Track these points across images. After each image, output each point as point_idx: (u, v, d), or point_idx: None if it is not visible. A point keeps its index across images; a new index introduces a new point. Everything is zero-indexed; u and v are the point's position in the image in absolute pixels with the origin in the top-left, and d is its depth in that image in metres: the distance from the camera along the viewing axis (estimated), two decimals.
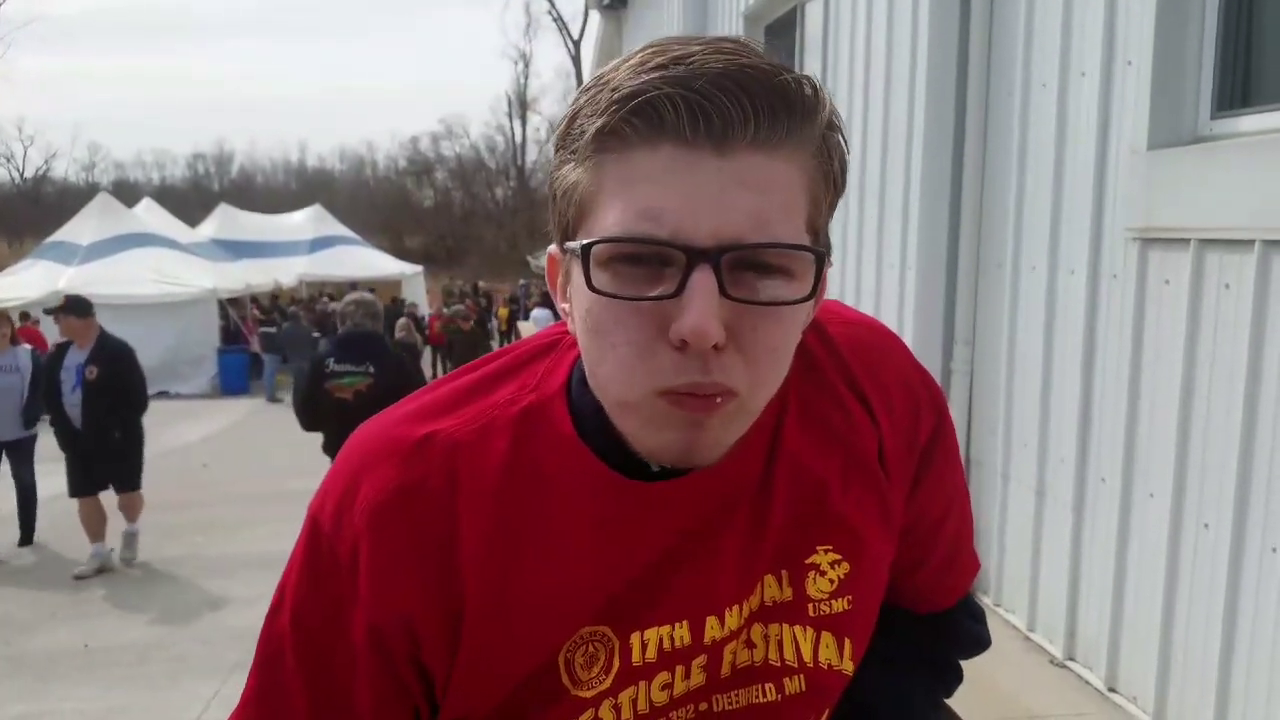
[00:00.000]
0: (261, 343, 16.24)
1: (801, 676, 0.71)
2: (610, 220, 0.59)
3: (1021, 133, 3.36)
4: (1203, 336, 2.45)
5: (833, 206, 0.64)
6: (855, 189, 4.59)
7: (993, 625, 0.92)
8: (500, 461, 0.68)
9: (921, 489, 0.77)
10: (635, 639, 0.67)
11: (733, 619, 0.69)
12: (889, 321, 4.48)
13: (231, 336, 17.27)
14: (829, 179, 0.62)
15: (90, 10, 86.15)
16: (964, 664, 0.88)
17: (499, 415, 0.69)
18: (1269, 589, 2.23)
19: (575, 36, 39.22)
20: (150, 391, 6.11)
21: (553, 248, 0.68)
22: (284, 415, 13.37)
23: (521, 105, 42.22)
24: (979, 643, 0.90)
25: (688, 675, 0.68)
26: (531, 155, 43.02)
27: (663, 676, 0.68)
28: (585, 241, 0.59)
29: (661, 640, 0.68)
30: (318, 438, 4.69)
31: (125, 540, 5.87)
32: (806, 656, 0.71)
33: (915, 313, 3.91)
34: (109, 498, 5.79)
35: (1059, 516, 3.11)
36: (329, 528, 0.68)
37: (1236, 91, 2.53)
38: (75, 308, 5.83)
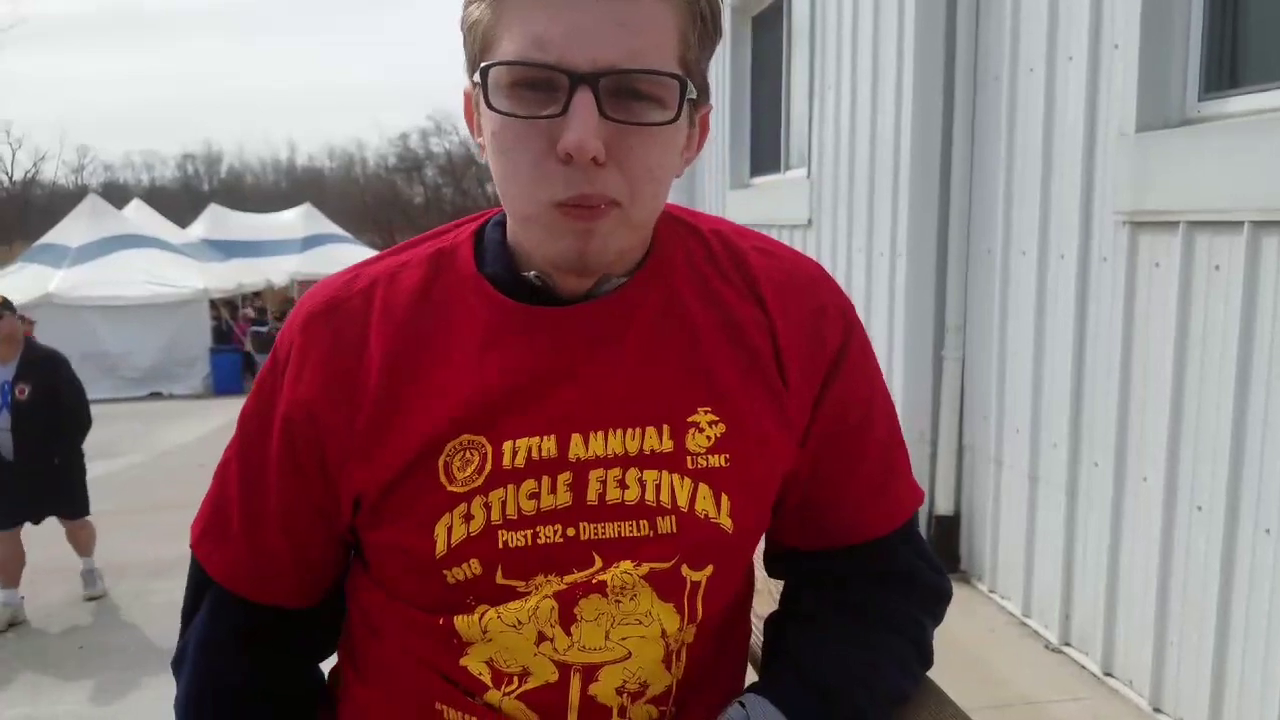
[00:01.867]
0: (253, 342, 16.20)
1: (674, 518, 0.75)
2: (506, 49, 0.68)
3: (1010, 118, 3.35)
4: (1194, 318, 2.45)
5: (705, 45, 0.72)
6: (845, 178, 4.57)
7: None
8: (408, 289, 0.79)
9: (830, 392, 0.80)
10: (507, 446, 0.74)
11: (597, 444, 0.74)
12: (880, 309, 4.47)
13: (223, 336, 17.22)
14: (696, 17, 0.71)
15: (76, 12, 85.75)
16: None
17: (413, 256, 0.81)
18: (1262, 570, 2.24)
19: None
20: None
21: (467, 84, 0.76)
22: None
23: None
24: (939, 592, 0.86)
25: (554, 489, 0.73)
26: None
27: (529, 485, 0.73)
28: (483, 65, 0.69)
29: (530, 450, 0.74)
30: None
31: (85, 580, 5.13)
32: (682, 502, 0.75)
33: (906, 300, 3.90)
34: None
35: (1052, 501, 3.11)
36: (279, 338, 0.81)
37: (1224, 73, 2.52)
38: None
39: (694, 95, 0.71)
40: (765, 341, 0.79)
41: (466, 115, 0.78)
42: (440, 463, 0.74)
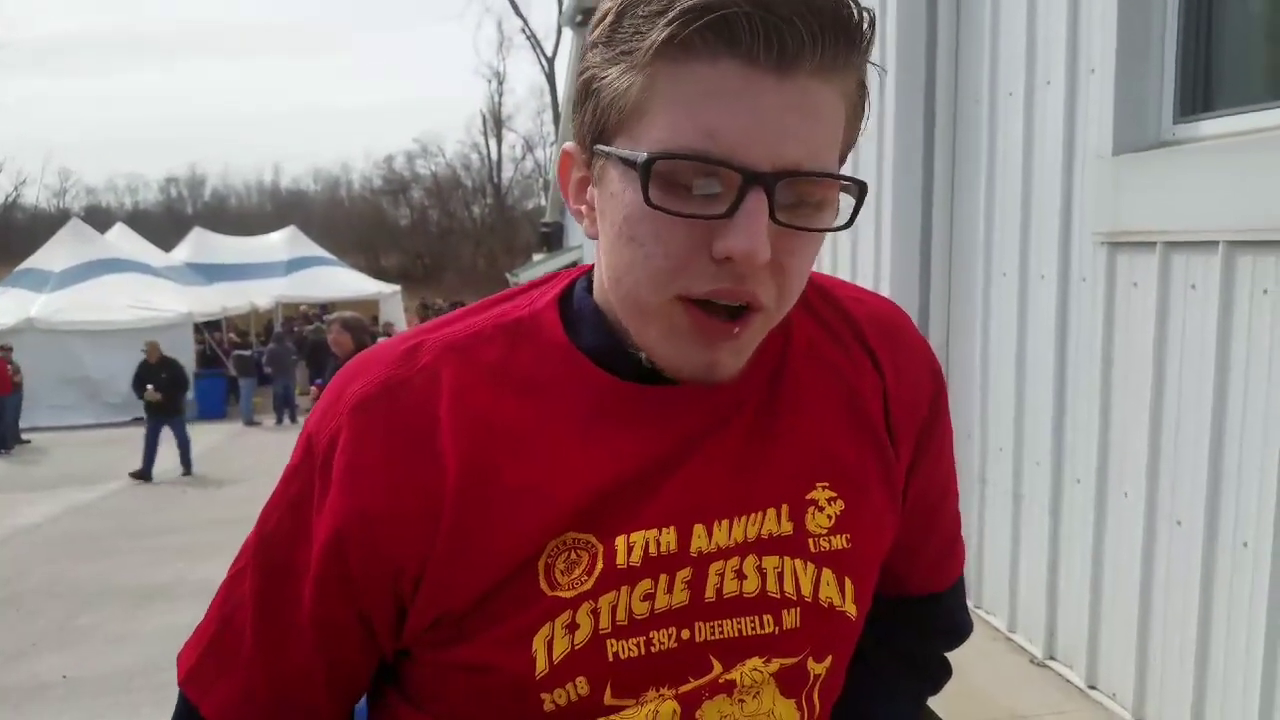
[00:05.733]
0: (236, 365, 16.12)
1: (799, 610, 0.68)
2: (663, 133, 0.59)
3: (990, 142, 3.41)
4: (1171, 337, 2.50)
5: (854, 141, 0.67)
6: None
7: (975, 627, 0.93)
8: (488, 363, 0.68)
9: (925, 460, 0.77)
10: (620, 541, 0.65)
11: (720, 534, 0.67)
12: None
13: (208, 360, 17.13)
14: (859, 111, 0.65)
15: (56, 33, 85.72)
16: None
17: (488, 325, 0.70)
18: (1242, 582, 2.27)
19: (549, 54, 39.37)
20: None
21: (570, 145, 0.67)
22: (263, 437, 13.25)
23: (496, 123, 42.26)
24: (967, 629, 0.91)
25: (671, 588, 0.65)
26: (507, 173, 43.11)
27: (645, 585, 0.65)
28: (649, 154, 0.59)
29: (647, 544, 0.65)
30: None
31: None
32: (806, 590, 0.69)
33: None
34: None
35: (1036, 519, 3.15)
36: (314, 425, 0.68)
37: (1198, 97, 2.59)
38: None
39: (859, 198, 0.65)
40: (878, 403, 0.74)
41: (562, 177, 0.69)
42: (541, 565, 0.64)
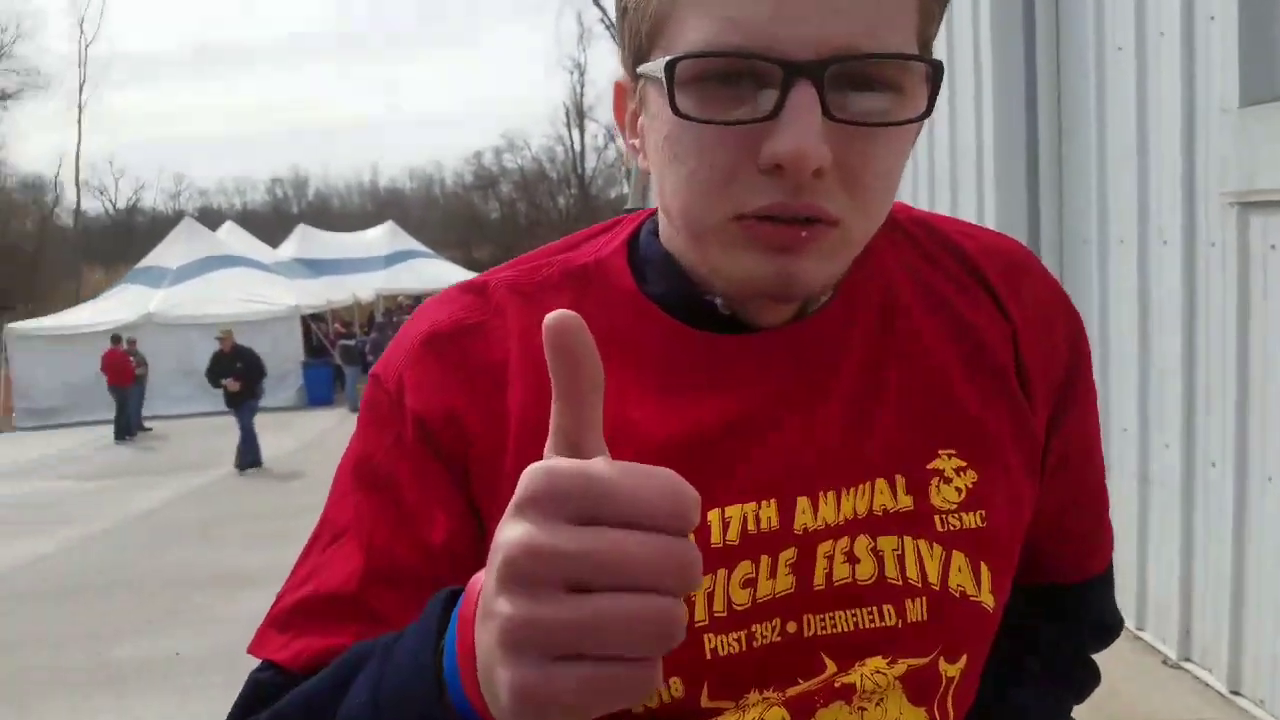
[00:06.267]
0: (342, 355, 16.61)
1: (925, 600, 0.58)
2: (692, 34, 0.51)
3: (1099, 101, 3.18)
4: None
5: (940, 19, 0.55)
6: (925, 175, 4.42)
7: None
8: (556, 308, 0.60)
9: (1068, 417, 0.65)
10: (714, 516, 0.56)
11: (828, 509, 0.57)
12: None
13: (315, 350, 17.69)
14: None
15: (168, 49, 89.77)
16: None
17: (555, 272, 0.63)
18: None
19: None
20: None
21: (621, 77, 0.60)
22: None
23: (579, 114, 42.41)
24: (1120, 624, 0.79)
25: (774, 572, 0.56)
26: (590, 163, 43.28)
27: (745, 567, 0.56)
28: (668, 59, 0.51)
29: (745, 519, 0.56)
30: None
31: None
32: (933, 577, 0.58)
33: None
34: None
35: (1166, 505, 2.92)
36: (381, 368, 0.62)
37: None
38: None
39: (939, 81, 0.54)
40: (1008, 353, 0.63)
41: (617, 111, 0.63)
42: None
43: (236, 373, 9.91)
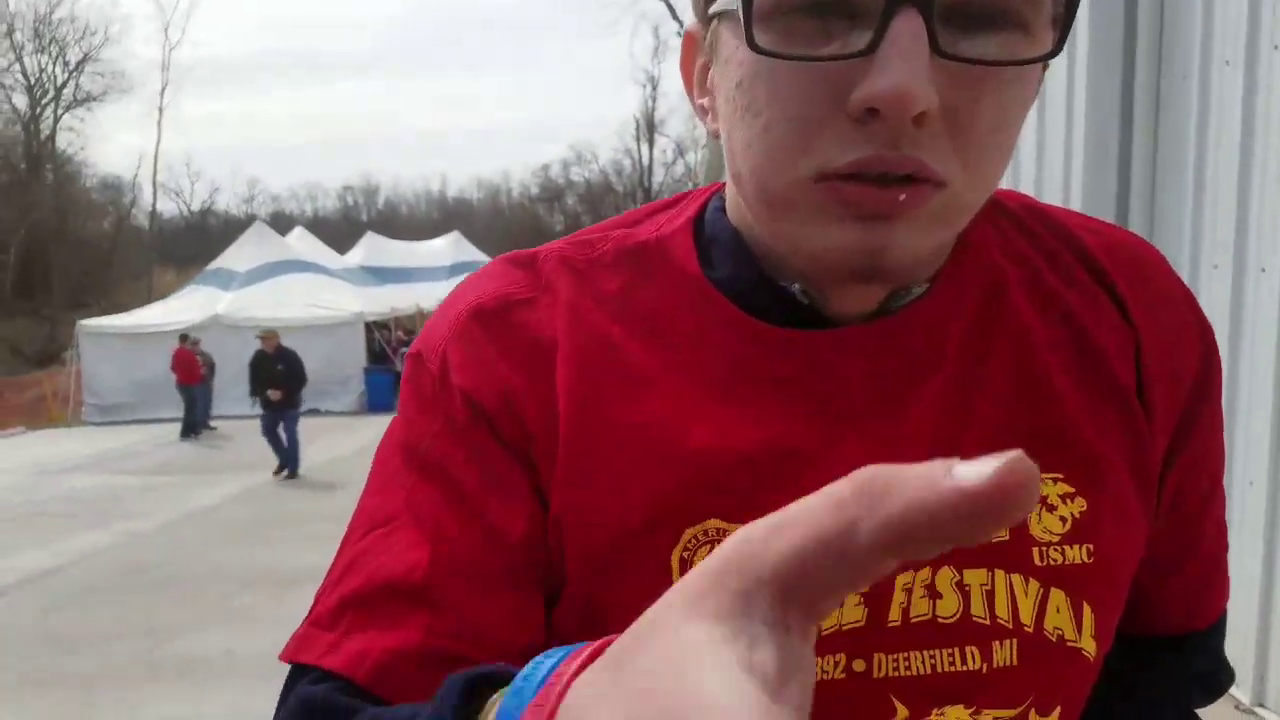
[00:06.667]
0: (403, 362, 16.86)
1: (1015, 643, 0.51)
2: None
3: (1200, 118, 3.05)
4: None
5: None
6: (1007, 186, 4.31)
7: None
8: (609, 293, 0.54)
9: (1191, 444, 0.56)
10: None
11: None
12: None
13: (377, 357, 17.95)
14: None
15: (247, 53, 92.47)
16: None
17: (610, 249, 0.56)
18: None
19: None
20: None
21: (691, 24, 0.53)
22: None
23: (650, 127, 42.60)
24: (1229, 678, 0.68)
25: (841, 602, 0.47)
26: (658, 177, 43.38)
27: None
28: None
29: None
30: None
31: None
32: (1026, 617, 0.51)
33: None
34: None
35: (1247, 545, 2.77)
36: (422, 343, 0.57)
37: None
38: None
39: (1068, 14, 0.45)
40: (1127, 363, 0.55)
41: (684, 70, 0.56)
42: (676, 559, 0.50)
43: (277, 375, 9.59)
